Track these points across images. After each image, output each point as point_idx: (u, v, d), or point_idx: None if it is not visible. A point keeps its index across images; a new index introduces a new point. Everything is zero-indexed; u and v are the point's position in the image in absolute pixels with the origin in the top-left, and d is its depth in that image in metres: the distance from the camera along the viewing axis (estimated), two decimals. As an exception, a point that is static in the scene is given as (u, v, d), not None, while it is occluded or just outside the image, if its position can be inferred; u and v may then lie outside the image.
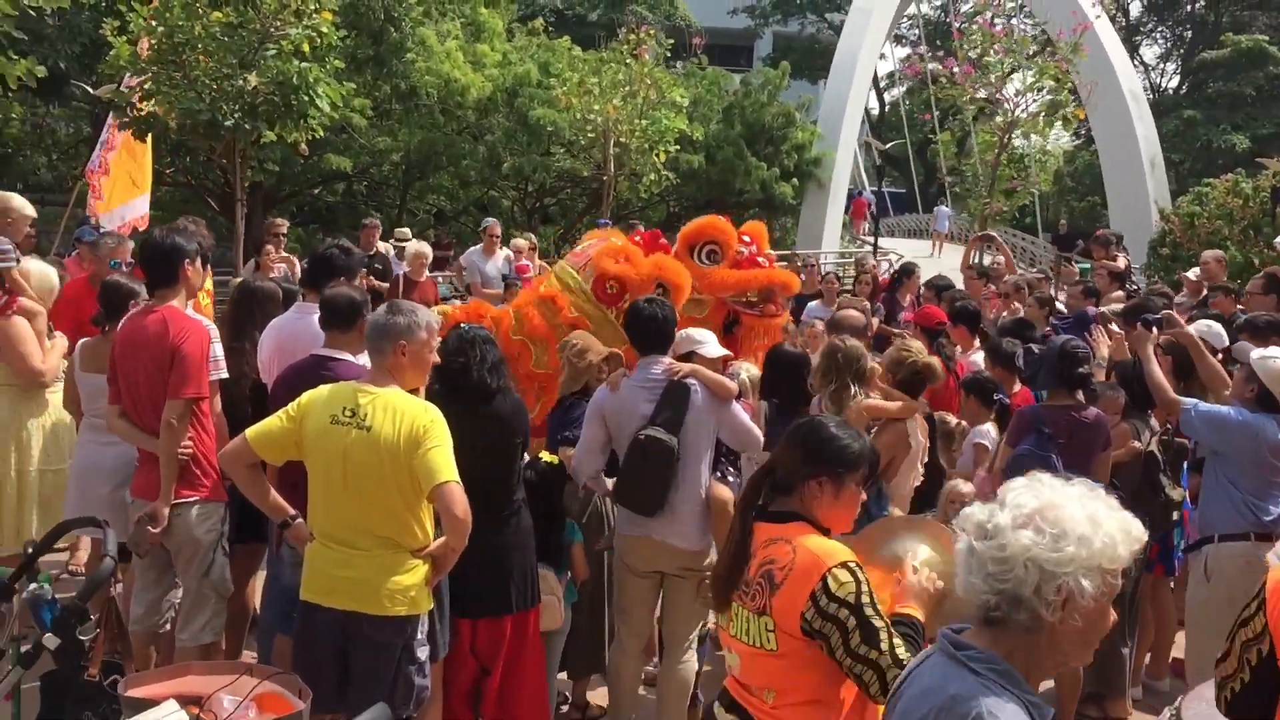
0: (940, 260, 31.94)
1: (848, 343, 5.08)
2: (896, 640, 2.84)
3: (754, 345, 6.77)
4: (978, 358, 7.59)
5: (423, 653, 3.98)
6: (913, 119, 50.01)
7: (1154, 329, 5.51)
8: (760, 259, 6.93)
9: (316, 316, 4.93)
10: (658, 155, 15.13)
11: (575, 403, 5.40)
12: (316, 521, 3.94)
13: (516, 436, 4.61)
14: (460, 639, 4.54)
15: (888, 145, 27.76)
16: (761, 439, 5.06)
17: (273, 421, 3.92)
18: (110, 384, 4.91)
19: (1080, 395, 5.45)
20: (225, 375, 4.85)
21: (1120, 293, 9.64)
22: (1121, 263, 10.61)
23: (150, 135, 10.66)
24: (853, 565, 2.88)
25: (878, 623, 2.83)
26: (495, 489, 4.46)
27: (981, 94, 17.59)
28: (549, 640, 4.92)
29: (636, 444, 4.77)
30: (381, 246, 11.60)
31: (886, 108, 56.96)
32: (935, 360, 5.37)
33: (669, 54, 25.89)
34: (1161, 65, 54.73)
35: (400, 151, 24.94)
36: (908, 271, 11.32)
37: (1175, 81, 52.24)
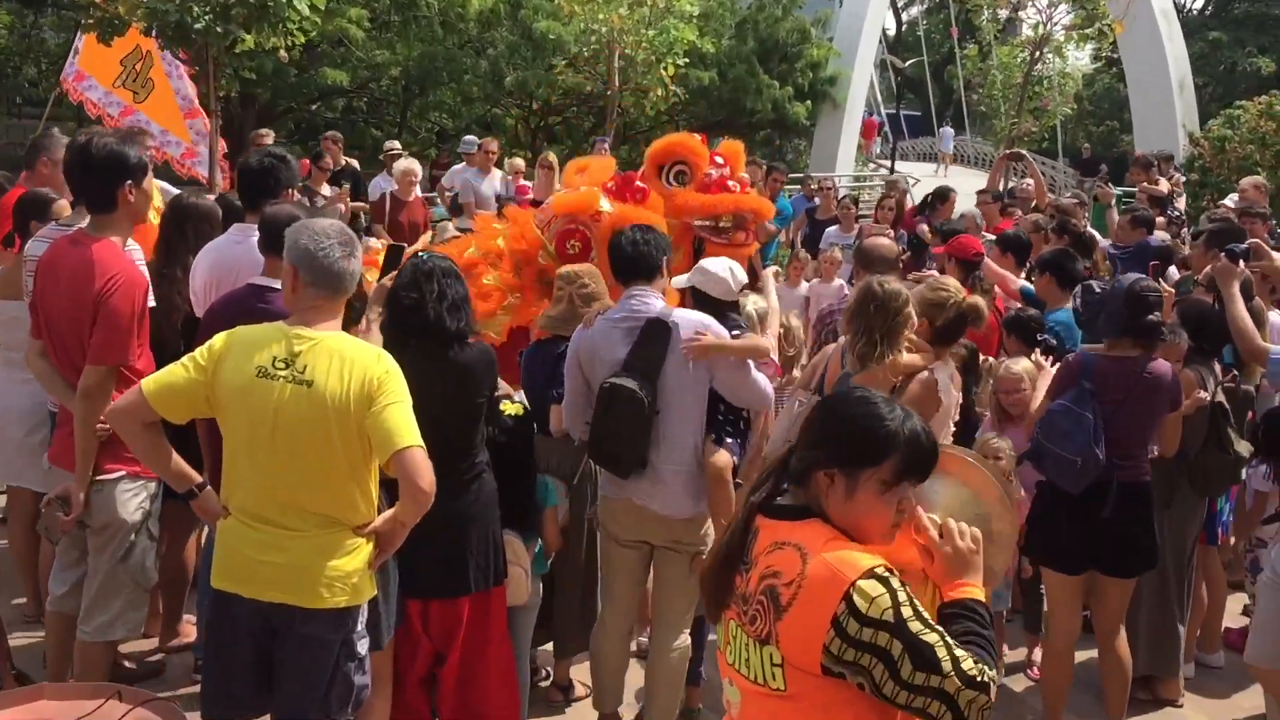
0: (946, 181, 31.01)
1: (886, 287, 4.26)
2: (959, 651, 2.12)
3: None
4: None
5: (363, 646, 3.31)
6: (930, 39, 48.64)
7: (1240, 261, 4.76)
8: (731, 182, 6.38)
9: (257, 239, 4.22)
10: (666, 69, 14.18)
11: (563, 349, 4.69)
12: (233, 494, 3.22)
13: (481, 390, 3.92)
14: (410, 622, 3.90)
15: (906, 64, 26.59)
16: (770, 395, 4.36)
17: (176, 370, 3.17)
18: (31, 314, 4.19)
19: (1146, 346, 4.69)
20: (152, 304, 4.13)
21: (1162, 219, 8.86)
22: (1164, 186, 9.76)
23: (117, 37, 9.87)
24: (881, 570, 2.14)
25: (930, 637, 2.09)
26: (453, 451, 3.79)
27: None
28: (516, 617, 4.25)
29: (601, 394, 4.12)
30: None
31: (903, 27, 55.37)
32: (979, 299, 4.56)
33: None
34: (1186, -14, 53.07)
35: (399, 66, 24.04)
36: (942, 196, 10.28)
37: (1201, 2, 50.63)
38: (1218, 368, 5.32)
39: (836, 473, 2.23)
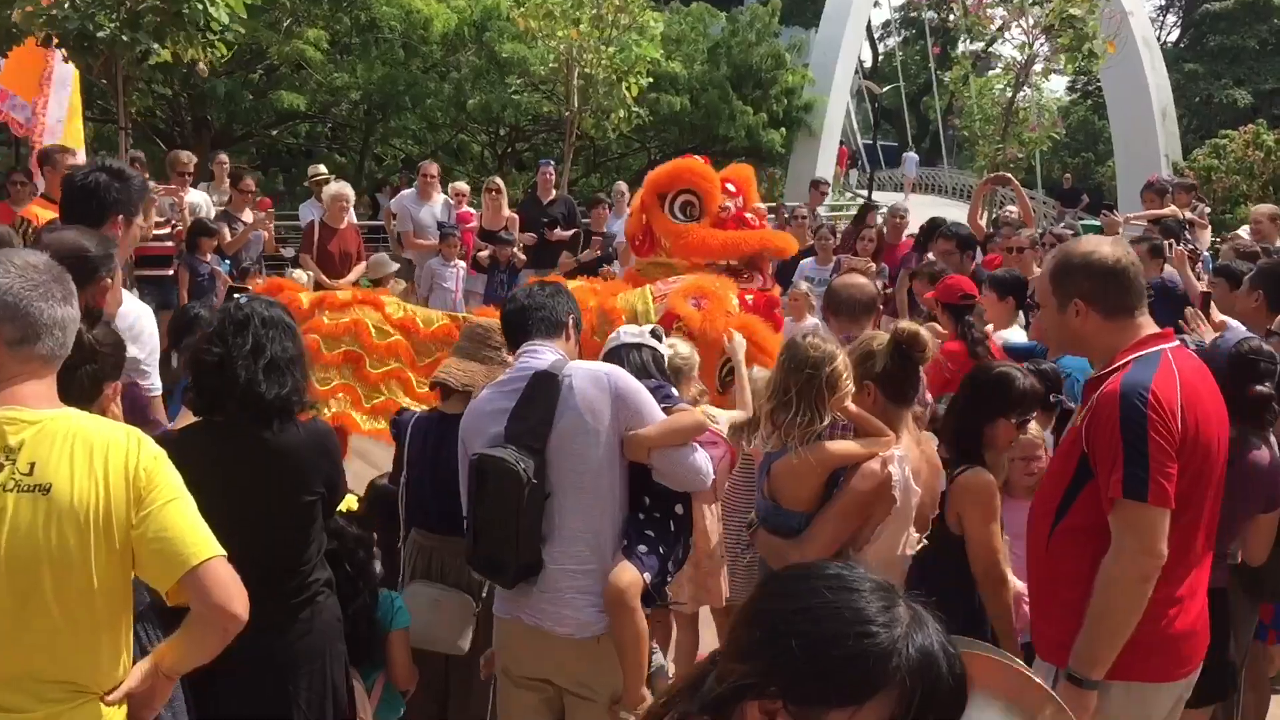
0: (907, 200, 30.49)
1: (812, 342, 3.37)
2: None
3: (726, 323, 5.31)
4: (1016, 336, 5.98)
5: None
6: (906, 69, 48.18)
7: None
8: (748, 214, 5.58)
9: None
10: (628, 88, 13.33)
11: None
12: None
13: (309, 485, 3.01)
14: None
15: (884, 90, 25.93)
16: (709, 474, 3.39)
17: None
18: None
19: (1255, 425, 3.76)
20: None
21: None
22: (1182, 213, 8.91)
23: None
24: None
25: None
26: (272, 568, 2.86)
27: (998, 21, 15.71)
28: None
29: (470, 472, 3.25)
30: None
31: (880, 58, 54.96)
32: (910, 324, 3.56)
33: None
34: (1162, 17, 52.94)
35: (359, 90, 23.14)
36: (936, 228, 9.41)
37: (1175, 35, 50.48)
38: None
39: (782, 710, 1.31)
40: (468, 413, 3.43)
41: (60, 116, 10.35)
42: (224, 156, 10.35)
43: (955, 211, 29.77)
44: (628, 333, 3.79)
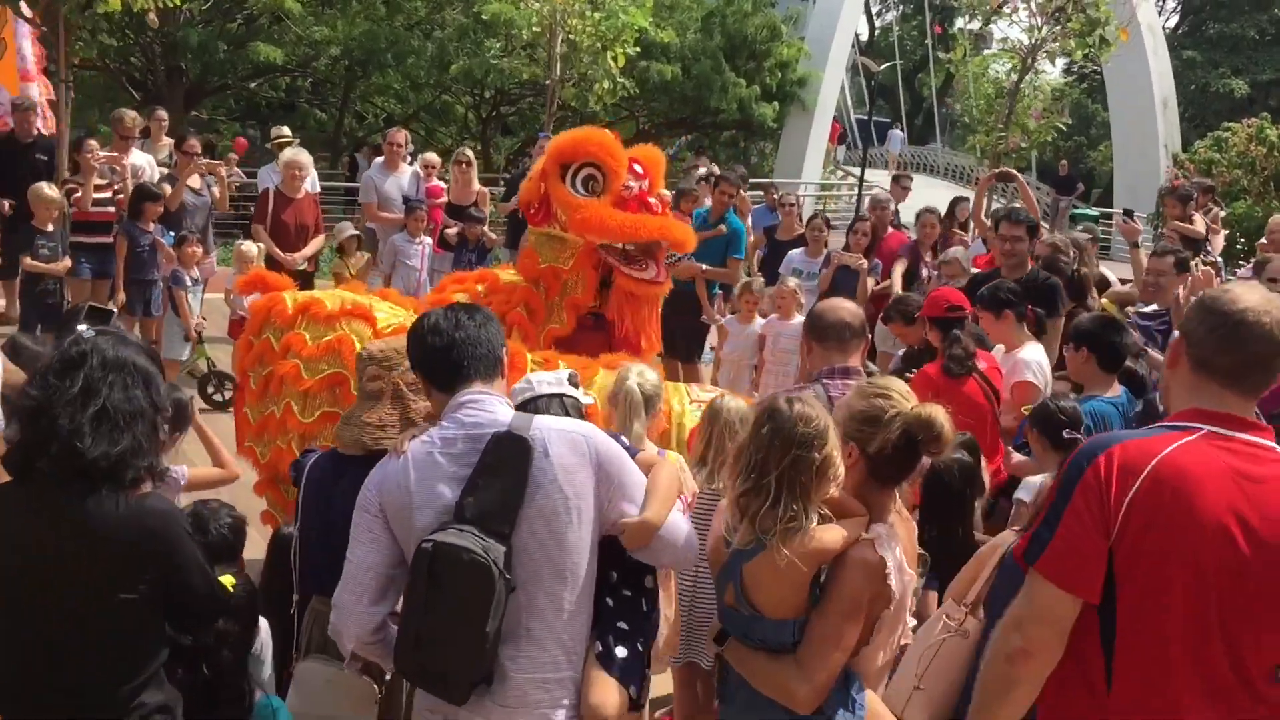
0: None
1: (798, 408, 2.69)
2: None
3: (630, 320, 5.15)
4: (1034, 354, 5.41)
5: None
6: (903, 45, 47.43)
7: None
8: (652, 200, 5.17)
9: None
10: (614, 57, 12.64)
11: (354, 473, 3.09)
12: None
13: (130, 577, 2.38)
14: None
15: (881, 67, 25.22)
16: (695, 544, 2.84)
17: None
18: None
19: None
20: None
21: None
22: (1200, 225, 8.33)
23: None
24: None
25: None
26: (84, 686, 2.31)
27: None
28: None
29: (419, 561, 2.57)
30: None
31: (876, 32, 54.15)
32: (932, 410, 2.85)
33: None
34: (1161, 2, 52.31)
35: (340, 45, 22.36)
36: (916, 219, 8.83)
37: (1173, 21, 49.85)
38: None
39: None
40: (392, 480, 2.72)
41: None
42: (162, 113, 9.64)
43: (947, 192, 29.24)
44: (543, 381, 3.20)
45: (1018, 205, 9.61)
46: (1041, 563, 2.37)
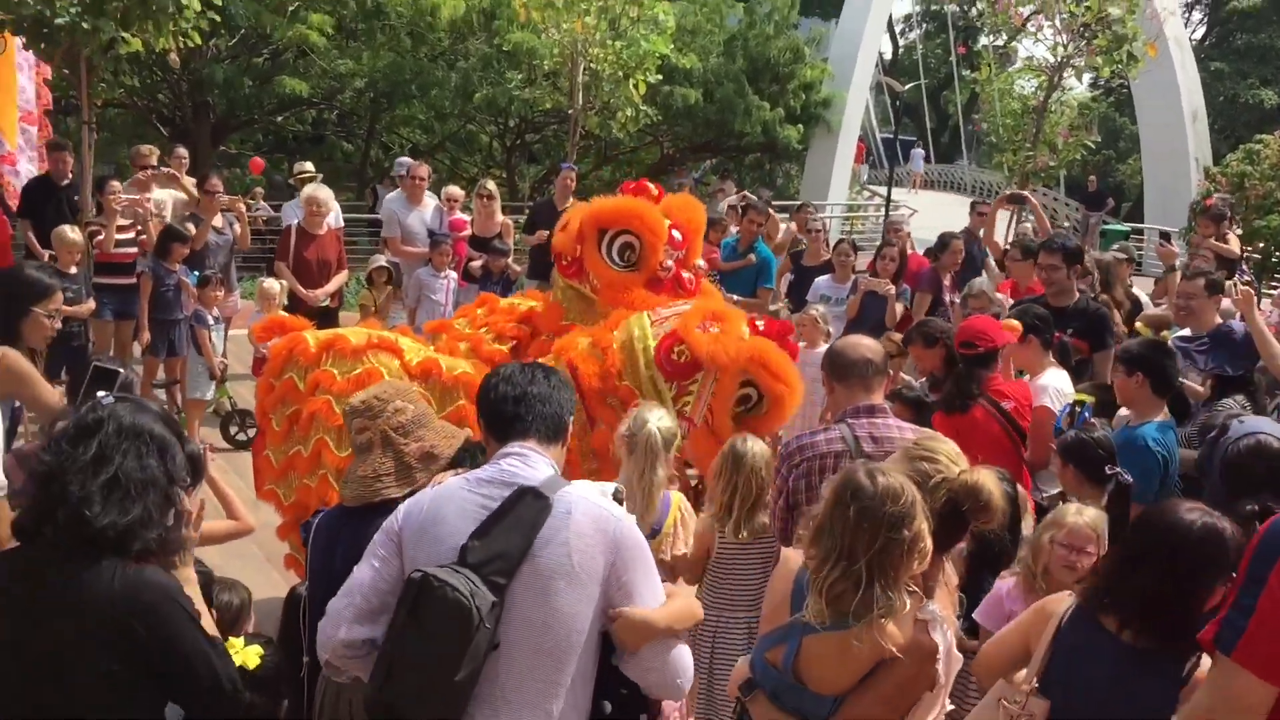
0: (916, 197, 29.77)
1: (880, 480, 2.55)
2: None
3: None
4: (1054, 380, 5.27)
5: None
6: (927, 63, 47.32)
7: None
8: (686, 275, 5.22)
9: None
10: (636, 85, 12.62)
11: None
12: None
13: (130, 648, 2.30)
14: None
15: (906, 86, 25.07)
16: (688, 679, 2.67)
17: None
18: None
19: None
20: None
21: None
22: (1235, 244, 8.16)
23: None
24: None
25: None
26: None
27: (1026, 12, 14.79)
28: None
29: (408, 590, 2.51)
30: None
31: (900, 51, 54.06)
32: (980, 477, 2.74)
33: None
34: (1187, 14, 51.90)
35: (365, 77, 22.50)
36: (943, 245, 8.69)
37: (1200, 33, 49.45)
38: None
39: None
40: (418, 507, 2.68)
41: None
42: (182, 151, 9.64)
43: (975, 212, 29.02)
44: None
45: (1030, 224, 9.52)
46: (1239, 653, 2.22)
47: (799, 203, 15.23)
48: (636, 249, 5.07)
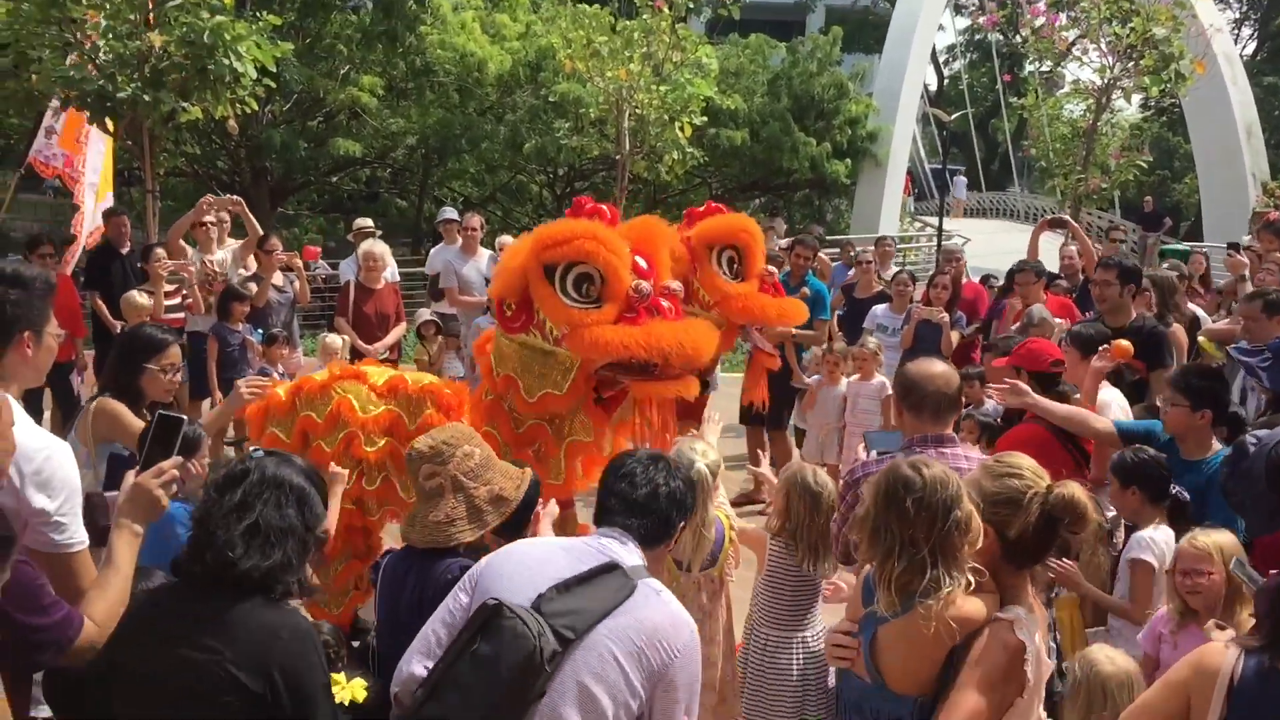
0: (968, 225, 29.61)
1: (927, 472, 2.64)
2: None
3: (659, 428, 5.02)
4: (1115, 398, 5.24)
5: None
6: (974, 93, 47.16)
7: None
8: (664, 301, 4.53)
9: None
10: (681, 129, 12.76)
11: (458, 568, 3.11)
12: None
13: (262, 684, 2.42)
14: None
15: (953, 116, 25.02)
16: None
17: None
18: None
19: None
20: None
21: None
22: (1293, 259, 8.05)
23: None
24: None
25: None
26: None
27: (1071, 37, 14.74)
28: None
29: (479, 612, 2.56)
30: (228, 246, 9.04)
31: (945, 81, 53.97)
32: (1073, 491, 2.73)
33: (708, 34, 23.51)
34: (1236, 30, 51.33)
35: (416, 134, 22.97)
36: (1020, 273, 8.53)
37: (1251, 48, 48.88)
38: None
39: None
40: (505, 555, 2.75)
41: (94, 178, 10.11)
42: (225, 215, 9.87)
43: (1028, 237, 28.79)
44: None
45: (1074, 248, 9.44)
46: None
47: (848, 238, 15.24)
48: (595, 279, 4.33)
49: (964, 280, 9.21)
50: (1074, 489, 2.74)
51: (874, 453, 3.95)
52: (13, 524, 2.39)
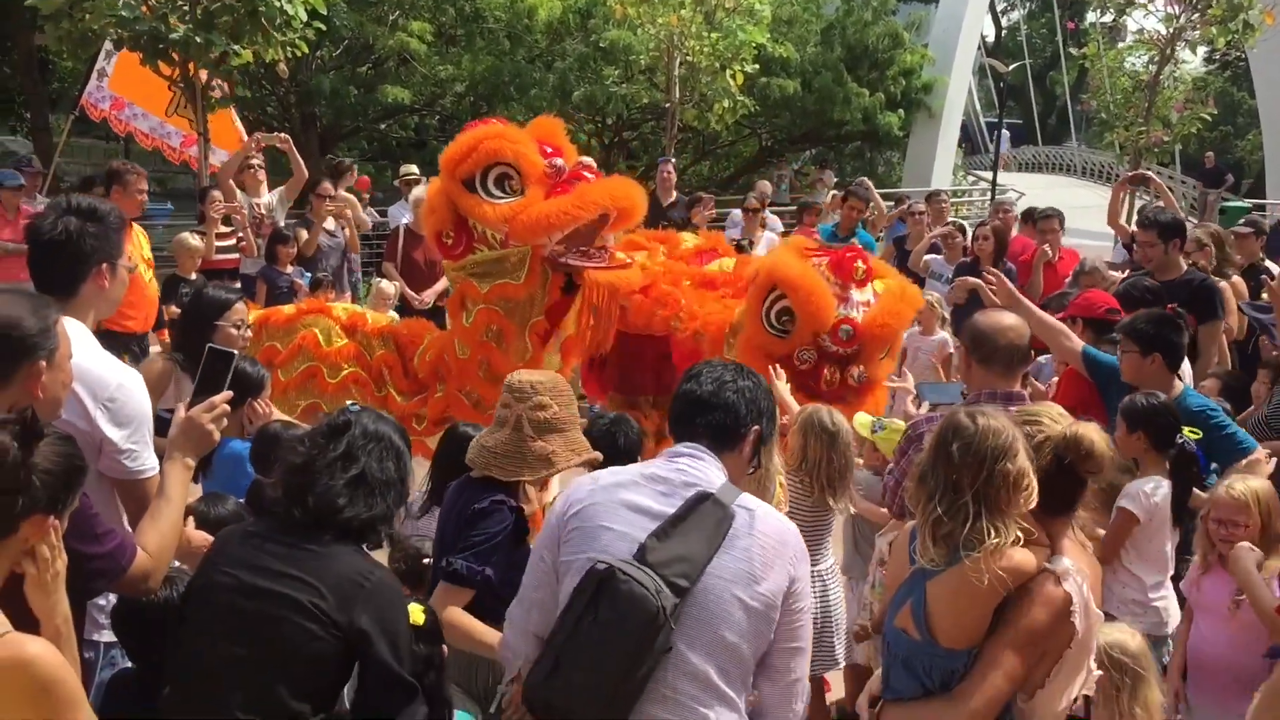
0: (1023, 179, 29.10)
1: (981, 421, 2.56)
2: None
3: (601, 324, 4.76)
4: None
5: None
6: (1032, 43, 46.20)
7: None
8: (586, 173, 4.74)
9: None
10: (733, 76, 12.56)
11: (490, 503, 3.19)
12: None
13: (349, 629, 2.49)
14: None
15: (1010, 67, 24.42)
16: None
17: None
18: None
19: None
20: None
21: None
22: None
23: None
24: None
25: None
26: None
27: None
28: None
29: (587, 583, 2.45)
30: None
31: (1003, 32, 52.93)
32: (1085, 429, 2.69)
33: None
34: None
35: (465, 81, 22.86)
36: (1032, 220, 8.40)
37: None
38: None
39: None
40: (583, 494, 2.63)
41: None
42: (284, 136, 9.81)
43: (1085, 191, 28.28)
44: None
45: (1159, 205, 9.21)
46: None
47: (900, 191, 15.01)
48: (513, 174, 4.58)
49: (1014, 233, 9.02)
50: (1080, 428, 2.69)
51: (925, 405, 3.92)
52: (84, 452, 2.43)
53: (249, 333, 4.53)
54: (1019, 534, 2.53)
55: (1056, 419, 2.73)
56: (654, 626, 2.36)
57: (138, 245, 7.18)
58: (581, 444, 3.44)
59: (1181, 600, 4.03)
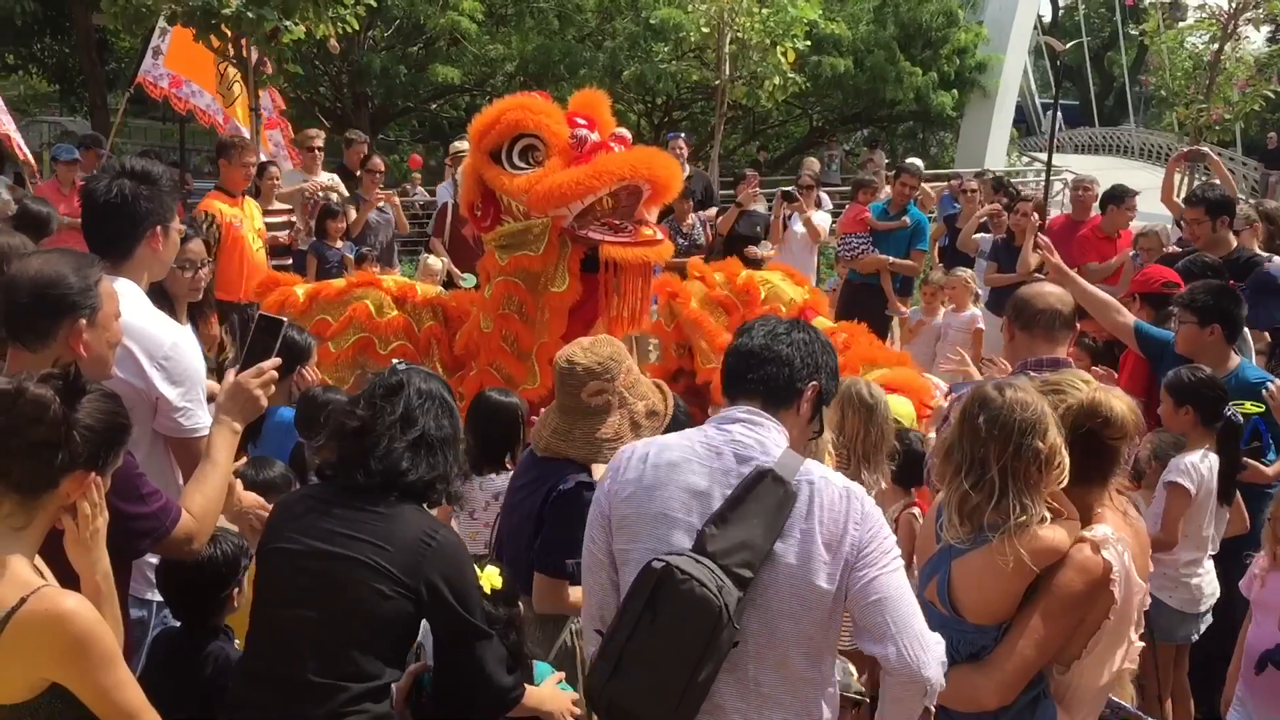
0: (1082, 160, 28.64)
1: (1010, 394, 2.46)
2: None
3: (623, 301, 4.65)
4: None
5: None
6: (1090, 23, 45.38)
7: None
8: (612, 144, 4.63)
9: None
10: (783, 53, 12.44)
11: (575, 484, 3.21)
12: None
13: (415, 591, 2.52)
14: None
15: (1066, 46, 23.97)
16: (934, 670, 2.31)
17: None
18: None
19: None
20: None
21: None
22: None
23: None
24: None
25: None
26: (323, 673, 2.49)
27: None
28: None
29: (642, 582, 2.31)
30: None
31: (1060, 11, 52.05)
32: (1105, 395, 2.58)
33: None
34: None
35: (515, 61, 22.88)
36: (1117, 199, 8.03)
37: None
38: None
39: None
40: (626, 479, 2.47)
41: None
42: (315, 133, 9.90)
43: (1143, 173, 27.77)
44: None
45: (1213, 181, 8.99)
46: None
47: (953, 172, 14.78)
48: (540, 146, 4.58)
49: (1094, 212, 8.79)
50: (1099, 393, 2.60)
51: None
52: (131, 410, 2.44)
53: (205, 270, 4.51)
54: (1046, 513, 2.45)
55: (1078, 385, 2.65)
56: (719, 627, 2.23)
57: (250, 216, 7.29)
58: (652, 384, 3.44)
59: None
